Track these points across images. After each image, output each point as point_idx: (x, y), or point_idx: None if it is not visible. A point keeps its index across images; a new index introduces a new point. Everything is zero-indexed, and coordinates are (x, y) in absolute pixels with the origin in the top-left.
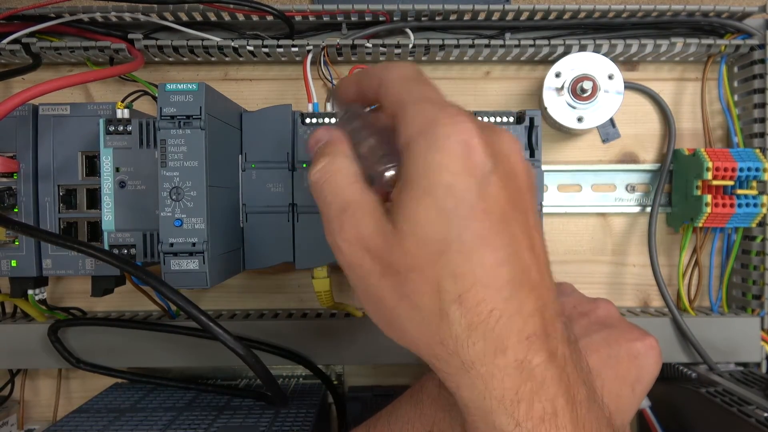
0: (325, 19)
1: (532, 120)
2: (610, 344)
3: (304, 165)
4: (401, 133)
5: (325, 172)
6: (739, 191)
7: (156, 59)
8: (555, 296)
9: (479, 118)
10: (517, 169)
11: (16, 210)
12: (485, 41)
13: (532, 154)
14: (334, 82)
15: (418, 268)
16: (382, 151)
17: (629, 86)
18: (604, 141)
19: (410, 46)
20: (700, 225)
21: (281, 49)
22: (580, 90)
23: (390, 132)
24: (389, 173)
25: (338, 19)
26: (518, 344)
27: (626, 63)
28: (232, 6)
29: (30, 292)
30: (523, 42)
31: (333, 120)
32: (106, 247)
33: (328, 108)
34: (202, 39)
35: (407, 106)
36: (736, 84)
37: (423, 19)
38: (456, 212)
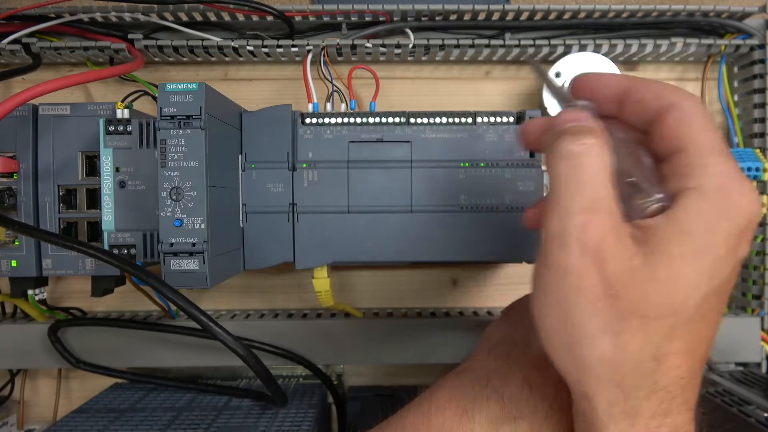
0: (325, 19)
1: None
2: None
3: (305, 165)
4: (688, 175)
5: (587, 148)
6: None
7: (156, 59)
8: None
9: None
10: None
11: (15, 210)
12: (485, 41)
13: (532, 154)
14: (335, 82)
15: (646, 315)
16: (646, 176)
17: None
18: None
19: (410, 46)
20: None
21: (281, 49)
22: None
23: (653, 159)
24: (655, 206)
25: (338, 19)
26: (681, 413)
27: (626, 63)
28: (232, 6)
29: (30, 292)
30: (523, 42)
31: (336, 120)
32: (106, 247)
33: (328, 108)
34: (202, 39)
35: (707, 151)
36: (736, 84)
37: (423, 19)
38: (711, 284)
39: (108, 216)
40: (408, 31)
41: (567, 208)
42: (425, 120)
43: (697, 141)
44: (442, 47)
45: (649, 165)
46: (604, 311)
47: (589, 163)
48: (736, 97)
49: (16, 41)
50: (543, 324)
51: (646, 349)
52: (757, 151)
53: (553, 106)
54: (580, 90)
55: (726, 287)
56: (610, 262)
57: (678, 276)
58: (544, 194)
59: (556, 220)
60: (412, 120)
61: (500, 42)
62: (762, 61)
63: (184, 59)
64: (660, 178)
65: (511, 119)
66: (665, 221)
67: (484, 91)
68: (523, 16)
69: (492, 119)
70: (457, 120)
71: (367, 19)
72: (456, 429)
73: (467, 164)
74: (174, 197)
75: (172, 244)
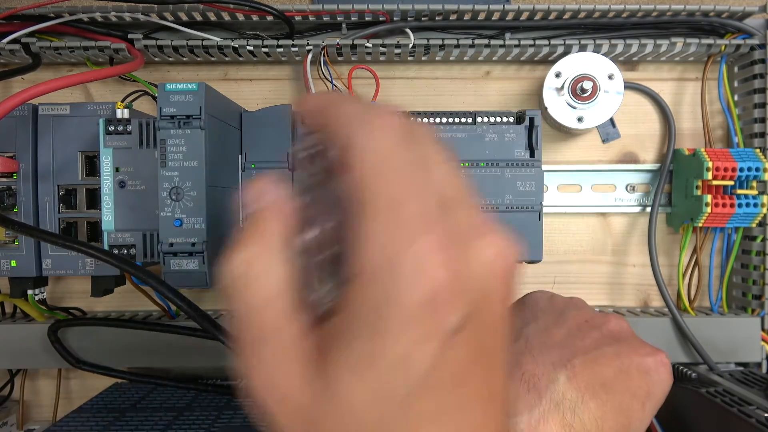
0: (325, 19)
1: (532, 120)
2: (621, 358)
3: None
4: (356, 249)
5: (246, 268)
6: (739, 191)
7: (156, 59)
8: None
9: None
10: (495, 300)
11: (15, 210)
12: (485, 41)
13: (532, 154)
14: (335, 82)
15: None
16: (335, 248)
17: (629, 86)
18: (604, 141)
19: (410, 46)
20: (700, 225)
21: (281, 49)
22: (580, 90)
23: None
24: (330, 301)
25: (338, 19)
26: None
27: (626, 63)
28: (232, 6)
29: (30, 292)
30: (523, 42)
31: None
32: (106, 247)
33: None
34: (202, 39)
35: (373, 214)
36: (736, 84)
37: (423, 19)
38: (402, 392)
39: (108, 216)
40: (408, 31)
41: (239, 337)
42: (425, 120)
43: (366, 198)
44: (442, 47)
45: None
46: None
47: (249, 288)
48: (736, 97)
49: (15, 41)
50: None
51: None
52: (757, 151)
53: (552, 106)
54: (302, 121)
55: (442, 376)
56: (294, 397)
57: (355, 396)
58: (544, 194)
59: (238, 356)
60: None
61: (500, 42)
62: (762, 61)
63: (184, 59)
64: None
65: (511, 119)
66: (340, 324)
67: (484, 91)
68: (523, 16)
69: (492, 119)
70: (457, 120)
71: (367, 19)
72: None
73: (467, 164)
74: (174, 197)
75: (172, 244)
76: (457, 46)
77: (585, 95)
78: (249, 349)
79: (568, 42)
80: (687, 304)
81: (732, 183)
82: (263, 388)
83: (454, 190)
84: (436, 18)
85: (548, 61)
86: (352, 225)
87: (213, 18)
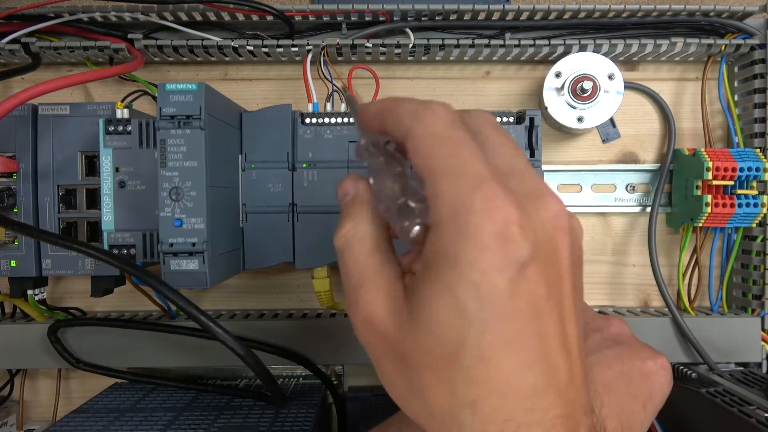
0: (325, 19)
1: (532, 120)
2: (622, 361)
3: (305, 165)
4: (430, 209)
5: (346, 239)
6: (740, 191)
7: (156, 59)
8: (585, 391)
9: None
10: (561, 248)
11: (15, 210)
12: (485, 41)
13: (532, 154)
14: (335, 82)
15: (431, 366)
16: (409, 203)
17: (629, 86)
18: (604, 141)
19: (410, 46)
20: (700, 225)
21: (281, 49)
22: (580, 90)
23: (420, 182)
24: (416, 229)
25: (338, 18)
26: None
27: (626, 63)
28: (232, 6)
29: (30, 292)
30: (523, 42)
31: (336, 120)
32: (106, 247)
33: (328, 108)
34: (202, 39)
35: (437, 178)
36: (736, 84)
37: (423, 19)
38: (479, 315)
39: (108, 216)
40: (408, 31)
41: (345, 288)
42: None
43: (430, 169)
44: (442, 47)
45: (416, 185)
46: (402, 374)
47: (349, 251)
48: (736, 97)
49: (15, 41)
50: (394, 400)
51: (454, 400)
52: (757, 151)
53: (553, 105)
54: (362, 123)
55: (517, 306)
56: (384, 326)
57: (434, 319)
58: None
59: (346, 303)
60: None
61: (500, 42)
62: (762, 61)
63: (184, 59)
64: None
65: (511, 119)
66: (419, 263)
67: (484, 91)
68: (523, 16)
69: None
70: None
71: (367, 19)
72: None
73: None
74: (174, 197)
75: (172, 244)
76: (457, 46)
77: (585, 95)
78: (352, 294)
79: (568, 42)
80: (687, 304)
81: (732, 183)
82: (361, 324)
83: (511, 161)
84: (436, 18)
85: (548, 61)
86: (423, 194)
87: (213, 18)
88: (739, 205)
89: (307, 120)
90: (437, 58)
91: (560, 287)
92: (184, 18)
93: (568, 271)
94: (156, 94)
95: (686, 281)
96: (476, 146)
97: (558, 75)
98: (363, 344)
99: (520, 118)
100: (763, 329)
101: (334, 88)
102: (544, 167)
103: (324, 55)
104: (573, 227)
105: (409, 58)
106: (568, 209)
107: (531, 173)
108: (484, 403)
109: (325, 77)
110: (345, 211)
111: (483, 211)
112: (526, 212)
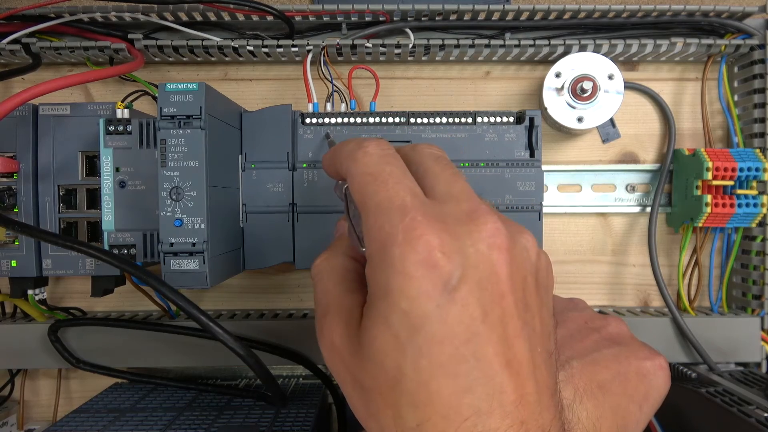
0: (325, 19)
1: (532, 120)
2: (619, 360)
3: (305, 165)
4: (366, 245)
5: (318, 270)
6: (739, 191)
7: (156, 59)
8: (544, 408)
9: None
10: (499, 267)
11: (16, 210)
12: (485, 41)
13: (532, 154)
14: (335, 82)
15: (379, 391)
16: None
17: (629, 86)
18: (604, 141)
19: (410, 46)
20: (700, 225)
21: (281, 49)
22: (580, 90)
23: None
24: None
25: (338, 19)
26: None
27: (626, 63)
28: (232, 6)
29: (30, 292)
30: (523, 42)
31: (336, 120)
32: (106, 247)
33: (328, 108)
34: (202, 39)
35: (368, 214)
36: (736, 84)
37: (423, 19)
38: (412, 341)
39: (108, 216)
40: (408, 31)
41: (315, 314)
42: (425, 120)
43: (363, 205)
44: (442, 47)
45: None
46: (359, 396)
47: (320, 281)
48: (736, 97)
49: (15, 41)
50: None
51: (402, 423)
52: (757, 151)
53: (552, 106)
54: (324, 169)
55: (448, 330)
56: (342, 353)
57: (375, 347)
58: (544, 194)
59: (316, 328)
60: (412, 120)
61: (500, 42)
62: (762, 61)
63: (184, 59)
64: None
65: (511, 119)
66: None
67: (484, 91)
68: (523, 16)
69: (492, 119)
70: (457, 120)
71: (367, 19)
72: None
73: (467, 164)
74: (174, 197)
75: (172, 244)
76: (457, 46)
77: (585, 95)
78: (318, 321)
79: (568, 42)
80: (687, 304)
81: (732, 183)
82: (324, 350)
83: (448, 187)
84: (436, 18)
85: (548, 61)
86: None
87: (213, 18)
88: (739, 205)
89: (308, 120)
90: (437, 58)
91: (501, 307)
92: (185, 18)
93: (511, 289)
94: (156, 94)
95: (686, 281)
96: (407, 179)
97: (558, 75)
98: (329, 369)
99: (520, 118)
100: (762, 329)
101: (335, 88)
102: (544, 167)
103: (324, 55)
104: (516, 244)
105: (409, 58)
106: (570, 210)
107: (467, 196)
108: (428, 427)
109: (325, 77)
110: (329, 246)
111: (405, 242)
112: (454, 236)
